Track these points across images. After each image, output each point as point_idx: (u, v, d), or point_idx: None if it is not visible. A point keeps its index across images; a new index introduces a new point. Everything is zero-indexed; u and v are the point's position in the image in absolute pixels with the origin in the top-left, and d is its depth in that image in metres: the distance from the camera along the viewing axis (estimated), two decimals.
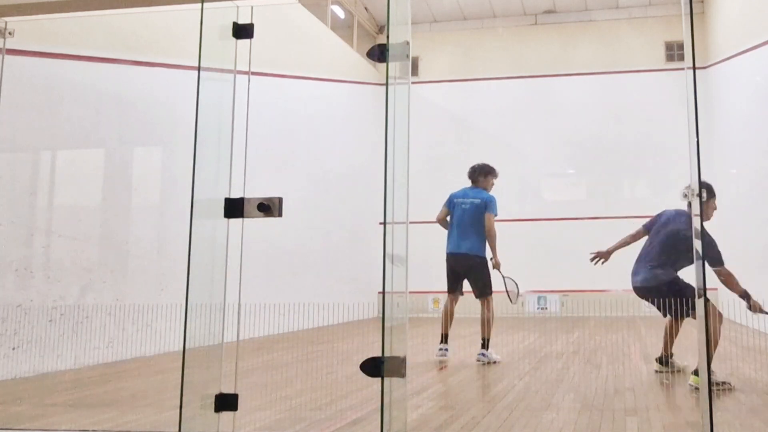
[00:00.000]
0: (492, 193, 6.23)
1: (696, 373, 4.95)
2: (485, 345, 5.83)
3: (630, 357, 6.26)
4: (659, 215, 5.27)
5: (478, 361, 5.78)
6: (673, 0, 12.57)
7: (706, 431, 2.76)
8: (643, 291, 5.05)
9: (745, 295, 4.75)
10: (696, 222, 2.91)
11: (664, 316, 5.07)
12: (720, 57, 11.36)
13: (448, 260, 6.15)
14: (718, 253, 4.68)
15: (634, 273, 5.12)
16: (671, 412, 3.81)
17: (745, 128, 10.25)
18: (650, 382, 4.84)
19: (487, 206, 6.06)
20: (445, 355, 5.89)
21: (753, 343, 6.91)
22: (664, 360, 5.22)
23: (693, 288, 4.75)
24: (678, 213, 5.16)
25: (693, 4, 2.91)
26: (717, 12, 11.66)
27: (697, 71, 2.89)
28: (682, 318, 5.08)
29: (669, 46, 12.84)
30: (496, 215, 6.08)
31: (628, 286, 5.18)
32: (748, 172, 10.17)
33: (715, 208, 4.84)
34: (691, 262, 4.25)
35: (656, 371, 5.22)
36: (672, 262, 4.95)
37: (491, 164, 6.31)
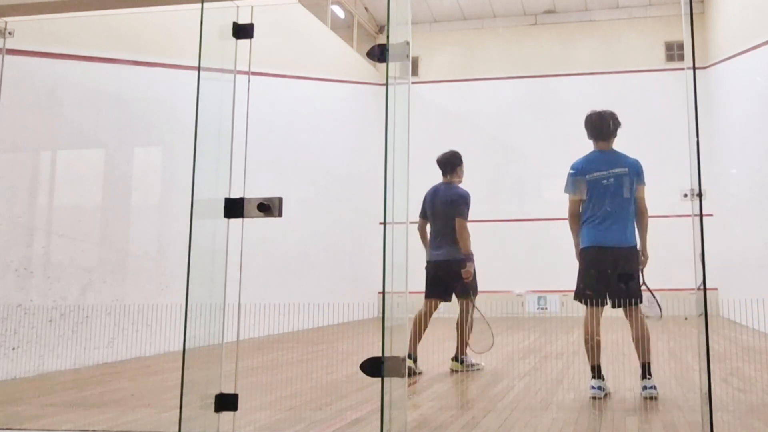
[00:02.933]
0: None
1: (456, 358, 5.45)
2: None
3: (630, 357, 6.25)
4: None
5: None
6: (673, 0, 12.57)
7: (706, 431, 2.76)
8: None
9: (468, 256, 5.30)
10: (696, 222, 2.91)
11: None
12: (720, 57, 11.36)
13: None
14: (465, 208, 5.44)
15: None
16: (671, 412, 3.80)
17: (745, 128, 10.25)
18: None
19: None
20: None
21: (753, 343, 6.91)
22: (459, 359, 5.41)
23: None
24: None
25: (693, 4, 2.91)
26: (717, 12, 11.66)
27: (697, 71, 2.89)
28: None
29: (669, 46, 12.84)
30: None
31: None
32: (748, 172, 10.17)
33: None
34: None
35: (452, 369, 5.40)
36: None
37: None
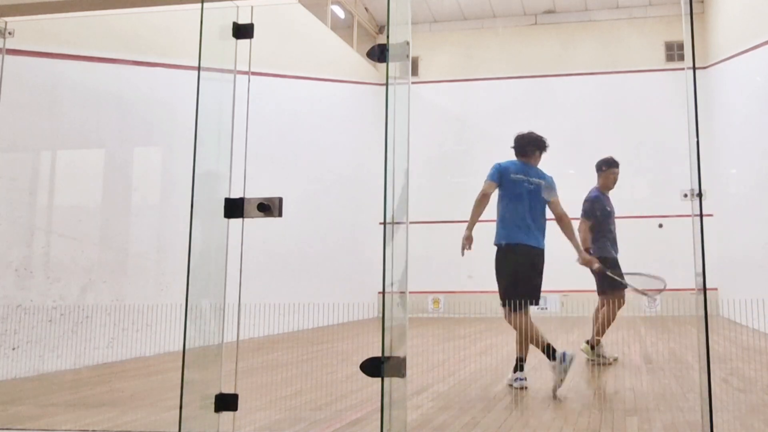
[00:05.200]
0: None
1: (588, 342, 5.65)
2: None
3: (630, 357, 6.25)
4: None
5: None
6: (673, 0, 12.57)
7: (706, 431, 2.76)
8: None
9: (578, 248, 5.42)
10: (696, 222, 2.91)
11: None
12: (720, 57, 11.36)
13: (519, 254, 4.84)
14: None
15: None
16: (671, 412, 3.81)
17: (745, 128, 10.25)
18: (650, 382, 4.84)
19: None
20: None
21: (753, 343, 6.92)
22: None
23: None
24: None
25: (693, 4, 2.92)
26: (717, 12, 11.67)
27: (697, 71, 2.89)
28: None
29: (669, 46, 12.84)
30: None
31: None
32: (748, 172, 10.17)
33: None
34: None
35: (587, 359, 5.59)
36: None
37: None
